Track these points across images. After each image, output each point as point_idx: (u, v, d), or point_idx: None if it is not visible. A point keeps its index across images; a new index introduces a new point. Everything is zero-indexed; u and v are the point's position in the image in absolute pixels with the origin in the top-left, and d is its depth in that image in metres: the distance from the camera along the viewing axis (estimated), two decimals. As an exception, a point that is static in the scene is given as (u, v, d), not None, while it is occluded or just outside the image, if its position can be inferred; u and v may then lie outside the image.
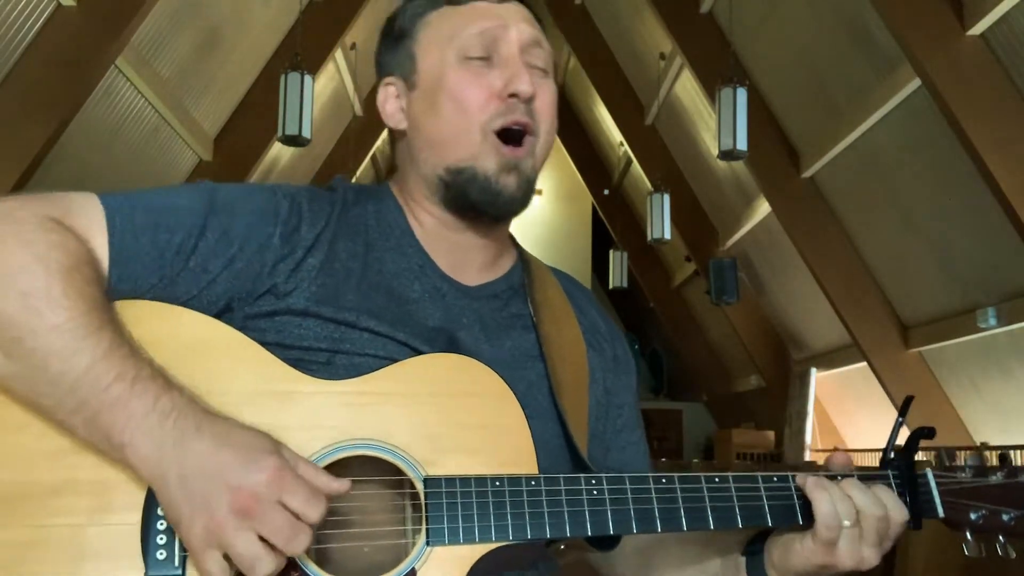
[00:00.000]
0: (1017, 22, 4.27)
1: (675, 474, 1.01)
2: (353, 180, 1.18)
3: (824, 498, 0.98)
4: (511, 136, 1.09)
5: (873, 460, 7.54)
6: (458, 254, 1.14)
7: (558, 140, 9.89)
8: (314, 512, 0.87)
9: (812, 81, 6.28)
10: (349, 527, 0.96)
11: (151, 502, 0.91)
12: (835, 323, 7.15)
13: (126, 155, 6.32)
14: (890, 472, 1.04)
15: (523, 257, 1.24)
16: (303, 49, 6.31)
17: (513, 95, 1.07)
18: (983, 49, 4.48)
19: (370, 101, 9.67)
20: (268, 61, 7.30)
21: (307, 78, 6.10)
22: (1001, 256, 5.13)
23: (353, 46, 8.52)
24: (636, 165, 10.04)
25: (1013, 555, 1.00)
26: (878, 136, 5.77)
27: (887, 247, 6.43)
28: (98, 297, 0.94)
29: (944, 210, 5.57)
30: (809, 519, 1.00)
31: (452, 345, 1.08)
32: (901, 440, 1.08)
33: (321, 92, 7.77)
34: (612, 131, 10.58)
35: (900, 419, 1.06)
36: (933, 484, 1.03)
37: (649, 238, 8.73)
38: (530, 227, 12.43)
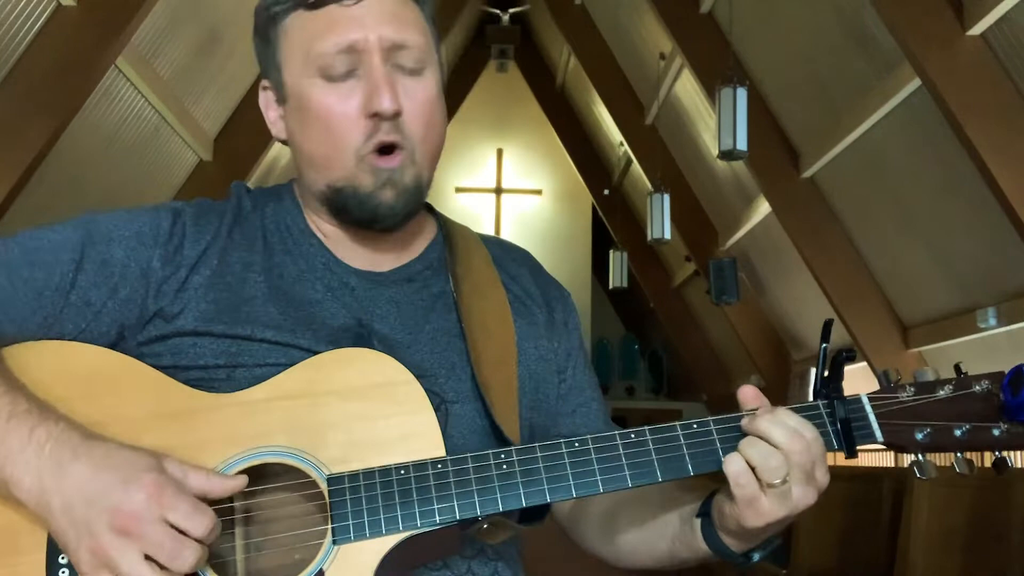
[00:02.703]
0: (1017, 22, 4.27)
1: (589, 436, 0.97)
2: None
3: (731, 458, 0.94)
4: (384, 150, 1.04)
5: (872, 460, 7.54)
6: (366, 246, 1.11)
7: (558, 140, 9.81)
8: (198, 526, 0.86)
9: (812, 81, 6.27)
10: (266, 535, 0.95)
11: (53, 538, 0.91)
12: (835, 323, 7.14)
13: (126, 155, 6.32)
14: (820, 403, 0.99)
15: (445, 230, 1.19)
16: (303, 49, 6.30)
17: (375, 114, 1.02)
18: (983, 49, 4.48)
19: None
20: (268, 61, 7.30)
21: (307, 78, 6.09)
22: (1001, 256, 5.13)
23: (353, 46, 8.51)
24: (636, 165, 10.04)
25: (971, 471, 0.96)
26: (878, 136, 5.77)
27: (887, 247, 6.43)
28: None
29: (944, 210, 5.56)
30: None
31: (361, 340, 1.05)
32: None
33: (321, 92, 7.76)
34: (612, 131, 10.59)
35: (824, 345, 1.00)
36: (868, 408, 0.98)
37: (649, 238, 8.73)
38: (530, 227, 12.44)
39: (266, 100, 1.12)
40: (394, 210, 1.06)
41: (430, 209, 1.20)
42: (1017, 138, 4.41)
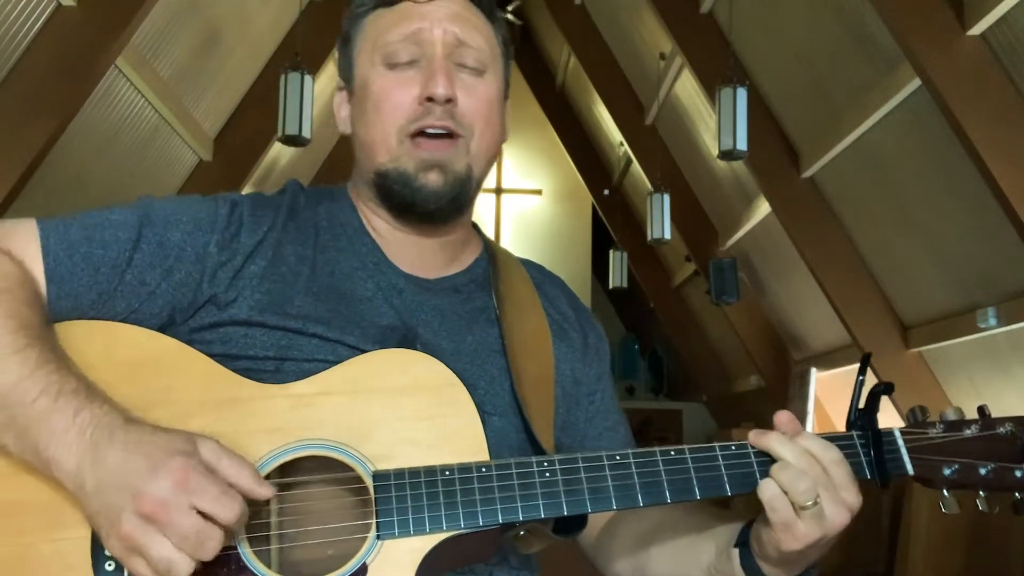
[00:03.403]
0: (1017, 22, 4.27)
1: (630, 451, 0.99)
2: (353, 180, 1.17)
3: (765, 485, 0.95)
4: (432, 137, 1.07)
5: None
6: (414, 252, 1.14)
7: (558, 140, 9.83)
8: (226, 512, 0.85)
9: (812, 81, 6.27)
10: (306, 527, 0.96)
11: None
12: (835, 323, 7.15)
13: (126, 155, 6.32)
14: (855, 433, 1.01)
15: (489, 249, 1.22)
16: (303, 49, 6.30)
17: (429, 99, 1.06)
18: (983, 49, 4.48)
19: (370, 101, 9.67)
20: (268, 61, 7.30)
21: (307, 78, 6.10)
22: (1001, 256, 5.13)
23: (353, 46, 8.51)
24: (636, 165, 10.04)
25: (996, 509, 0.98)
26: (878, 136, 5.77)
27: (887, 247, 6.43)
28: (28, 316, 0.95)
29: (944, 210, 5.56)
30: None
31: (406, 342, 1.06)
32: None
33: (321, 92, 7.77)
34: (612, 131, 10.58)
35: (860, 378, 1.03)
36: (900, 442, 1.01)
37: (649, 238, 8.73)
38: (530, 227, 12.43)
39: (339, 101, 1.17)
40: (438, 195, 1.08)
41: (475, 228, 1.24)
42: (1017, 138, 4.41)
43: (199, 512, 0.85)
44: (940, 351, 6.36)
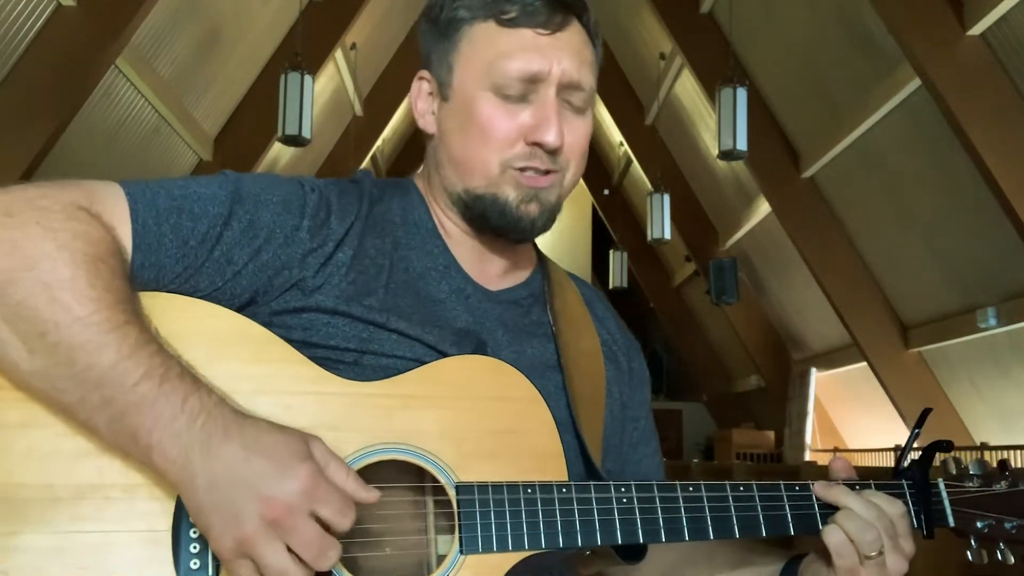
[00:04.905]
0: (1017, 22, 4.27)
1: (702, 482, 0.99)
2: (352, 180, 1.16)
3: (832, 531, 0.98)
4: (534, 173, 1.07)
5: (873, 460, 7.54)
6: (480, 258, 1.13)
7: (558, 140, 9.77)
8: (345, 522, 0.84)
9: (812, 81, 6.28)
10: (374, 530, 0.94)
11: (182, 508, 0.88)
12: (835, 323, 7.15)
13: (126, 155, 6.32)
14: (904, 482, 1.05)
15: (543, 263, 1.22)
16: (303, 49, 6.31)
17: (539, 144, 1.05)
18: (983, 49, 4.48)
19: (370, 101, 9.67)
20: (268, 61, 7.30)
21: (307, 78, 6.10)
22: (1001, 256, 5.14)
23: (353, 46, 8.52)
24: (636, 165, 10.05)
25: (1012, 561, 1.02)
26: (878, 136, 5.78)
27: (887, 247, 6.43)
28: (124, 290, 0.90)
29: (944, 210, 5.57)
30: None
31: (479, 347, 1.06)
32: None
33: (321, 92, 7.77)
34: (612, 131, 10.58)
35: (916, 430, 1.07)
36: (944, 494, 1.05)
37: (649, 238, 8.73)
38: (530, 227, 12.43)
39: (419, 90, 1.13)
40: (535, 224, 1.08)
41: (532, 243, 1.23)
42: (1017, 138, 4.42)
43: (318, 520, 0.84)
44: (940, 351, 6.37)
